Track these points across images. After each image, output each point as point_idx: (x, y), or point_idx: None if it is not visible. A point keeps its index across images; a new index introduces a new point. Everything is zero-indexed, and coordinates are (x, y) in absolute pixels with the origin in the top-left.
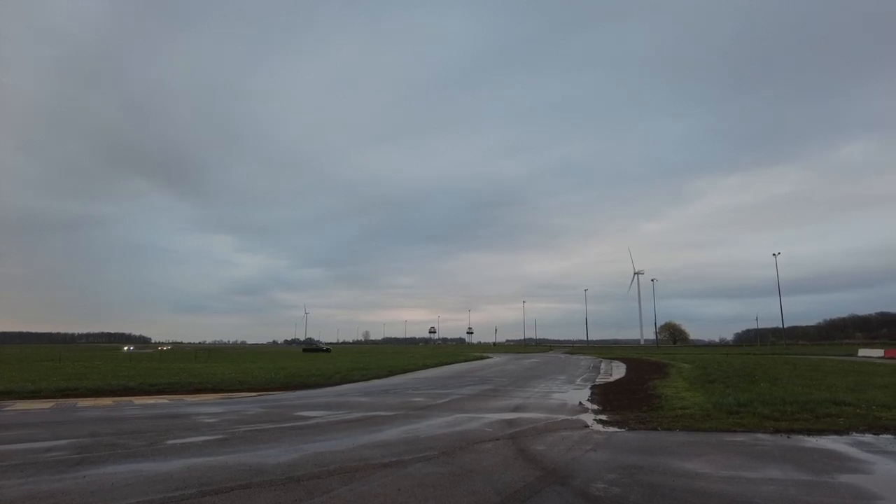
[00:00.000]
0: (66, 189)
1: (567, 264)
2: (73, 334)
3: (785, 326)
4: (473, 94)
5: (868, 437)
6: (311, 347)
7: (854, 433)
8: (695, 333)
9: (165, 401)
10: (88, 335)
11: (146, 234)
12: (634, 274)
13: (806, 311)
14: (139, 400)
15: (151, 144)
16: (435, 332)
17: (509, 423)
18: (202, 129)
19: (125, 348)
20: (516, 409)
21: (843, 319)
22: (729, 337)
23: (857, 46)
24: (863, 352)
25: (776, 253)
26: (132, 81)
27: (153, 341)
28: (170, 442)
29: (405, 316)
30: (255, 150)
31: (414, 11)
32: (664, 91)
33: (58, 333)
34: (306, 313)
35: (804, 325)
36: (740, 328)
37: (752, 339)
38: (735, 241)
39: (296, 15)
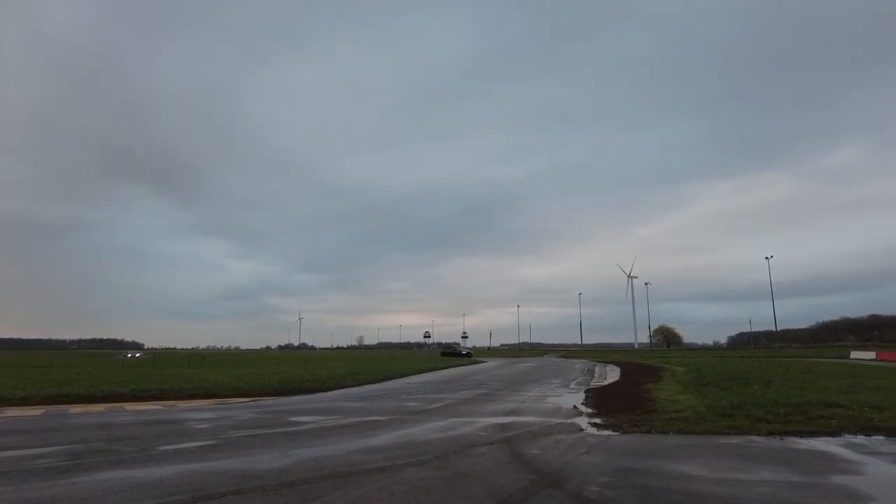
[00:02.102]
0: (57, 193)
1: (561, 268)
2: (64, 340)
3: (778, 329)
4: (469, 98)
5: (860, 439)
6: (449, 351)
7: (846, 434)
8: (689, 337)
9: (158, 407)
10: (80, 341)
11: (139, 238)
12: (628, 278)
13: (798, 314)
14: (131, 406)
15: (145, 148)
16: (430, 337)
17: (504, 427)
18: (196, 132)
19: (128, 354)
20: (511, 413)
21: (835, 322)
22: (723, 340)
23: (852, 50)
24: (855, 354)
25: (768, 256)
26: (126, 84)
27: (146, 347)
28: (162, 448)
29: (399, 320)
30: (249, 155)
31: (410, 15)
32: (659, 95)
33: (49, 339)
34: (300, 318)
35: (797, 327)
36: (734, 331)
37: (746, 342)
38: (728, 245)
39: (293, 19)
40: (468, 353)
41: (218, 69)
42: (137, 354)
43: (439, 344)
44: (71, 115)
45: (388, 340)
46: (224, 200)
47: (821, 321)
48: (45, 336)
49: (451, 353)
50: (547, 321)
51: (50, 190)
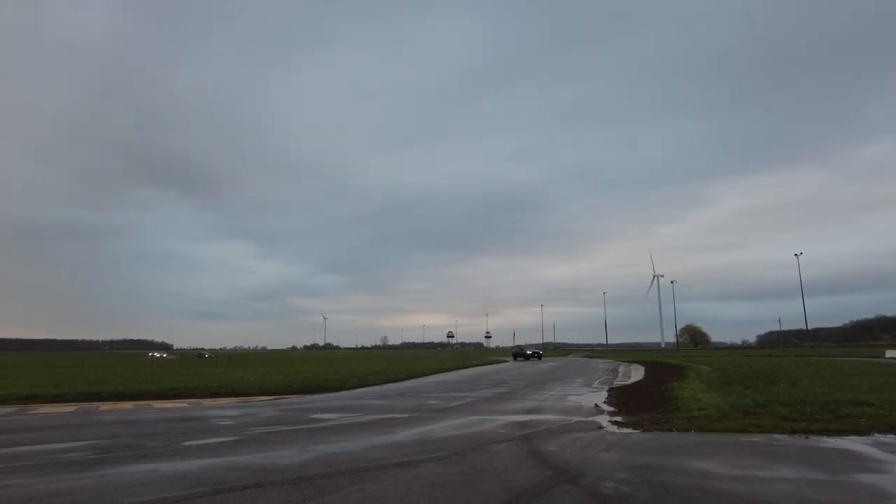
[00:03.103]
0: (87, 199)
1: (584, 268)
2: (97, 341)
3: (809, 328)
4: (486, 99)
5: (890, 438)
6: (521, 353)
7: (875, 434)
8: (716, 336)
9: (184, 405)
10: (112, 342)
11: (166, 242)
12: (654, 276)
13: (831, 312)
14: (158, 404)
15: (171, 153)
16: (453, 337)
17: (523, 424)
18: (218, 138)
19: (150, 354)
20: (531, 411)
21: (870, 321)
22: (751, 339)
23: (877, 45)
24: (890, 353)
25: (798, 253)
26: (149, 92)
27: (175, 347)
28: (186, 443)
29: (423, 321)
30: (270, 159)
31: (424, 20)
32: (680, 94)
33: (82, 340)
34: (325, 319)
35: (829, 326)
36: (763, 330)
37: (776, 342)
38: (755, 243)
39: (308, 26)
40: (535, 353)
41: (241, 76)
42: (207, 355)
43: (462, 344)
44: (97, 124)
45: (411, 340)
46: (248, 204)
47: (854, 320)
48: (78, 337)
49: (521, 354)
50: (571, 321)
51: (80, 196)
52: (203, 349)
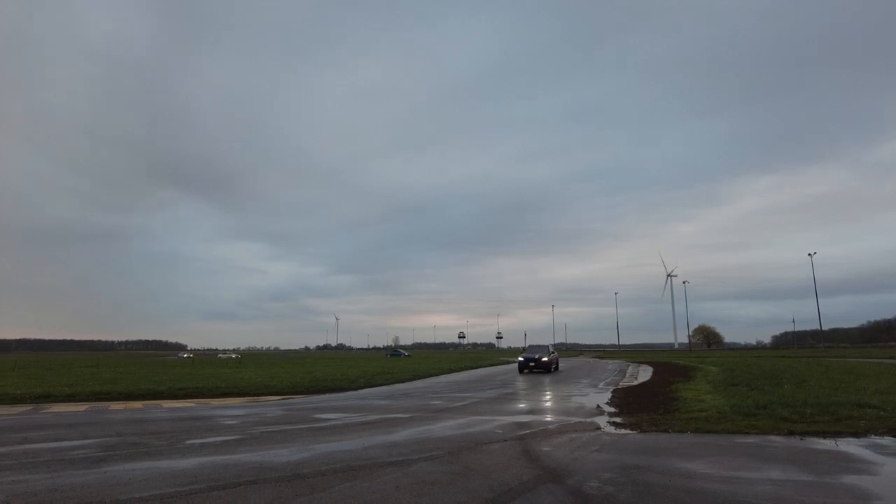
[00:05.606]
0: (104, 200)
1: (596, 268)
2: (112, 342)
3: (825, 328)
4: (498, 101)
5: (886, 440)
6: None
7: (873, 436)
8: (730, 336)
9: (192, 404)
10: (127, 342)
11: (180, 243)
12: (667, 276)
13: (848, 312)
14: (167, 403)
15: (186, 156)
16: (464, 338)
17: (521, 425)
18: (233, 140)
19: (181, 355)
20: (531, 411)
21: (889, 321)
22: (766, 339)
23: (891, 44)
24: None
25: (812, 252)
26: (165, 95)
27: (189, 348)
28: (189, 442)
29: (434, 321)
30: (284, 161)
31: (437, 22)
32: (693, 94)
33: (99, 341)
34: (337, 319)
35: (846, 326)
36: (778, 330)
37: (790, 342)
38: (770, 243)
39: (322, 29)
40: (530, 359)
41: (255, 79)
42: (405, 353)
43: (474, 345)
44: (115, 127)
45: (422, 341)
46: (261, 206)
47: (872, 320)
48: (95, 338)
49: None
50: (583, 321)
51: (98, 197)
52: (399, 347)
